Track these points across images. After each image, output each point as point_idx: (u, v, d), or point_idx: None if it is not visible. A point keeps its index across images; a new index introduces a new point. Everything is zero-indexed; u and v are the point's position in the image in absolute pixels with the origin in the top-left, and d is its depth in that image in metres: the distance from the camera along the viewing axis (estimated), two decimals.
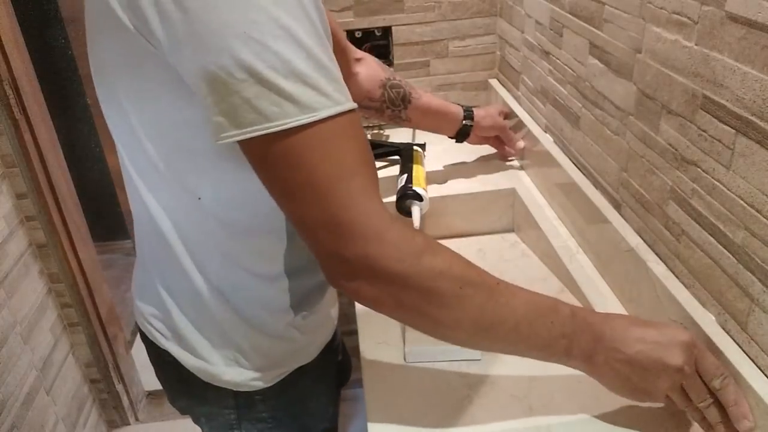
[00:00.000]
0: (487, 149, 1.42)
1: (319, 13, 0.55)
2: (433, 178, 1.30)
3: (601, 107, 0.96)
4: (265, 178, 0.57)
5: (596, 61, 0.96)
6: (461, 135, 1.26)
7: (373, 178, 0.60)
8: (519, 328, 0.63)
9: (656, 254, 0.84)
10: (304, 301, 0.76)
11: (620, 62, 0.88)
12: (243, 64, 0.51)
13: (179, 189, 0.66)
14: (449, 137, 1.28)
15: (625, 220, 0.92)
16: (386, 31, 1.46)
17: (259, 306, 0.74)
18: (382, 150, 1.35)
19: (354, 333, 0.91)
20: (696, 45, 0.70)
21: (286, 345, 0.77)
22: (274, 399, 0.79)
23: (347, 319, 1.82)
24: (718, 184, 0.69)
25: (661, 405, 0.68)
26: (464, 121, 1.24)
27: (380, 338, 0.88)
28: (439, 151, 1.43)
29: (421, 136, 1.42)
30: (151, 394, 2.06)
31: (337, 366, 0.93)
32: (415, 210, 1.10)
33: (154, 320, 0.77)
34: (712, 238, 0.71)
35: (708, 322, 0.71)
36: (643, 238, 0.87)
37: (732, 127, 0.65)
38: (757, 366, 0.65)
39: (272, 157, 0.54)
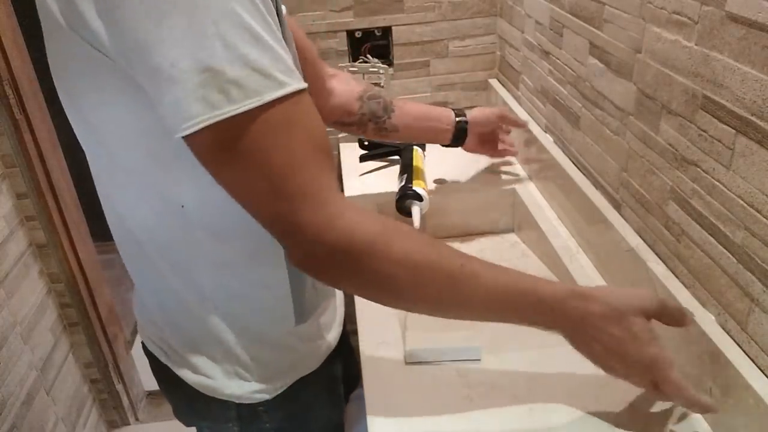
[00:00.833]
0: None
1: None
2: (433, 178, 1.30)
3: (601, 107, 0.96)
4: (217, 174, 0.55)
5: (596, 61, 0.96)
6: (458, 135, 1.14)
7: (327, 161, 0.57)
8: (484, 314, 0.64)
9: (656, 254, 0.84)
10: (303, 308, 0.73)
11: (620, 62, 0.88)
12: (183, 53, 0.49)
13: (159, 200, 0.63)
14: (444, 145, 1.17)
15: (625, 220, 0.92)
16: (386, 31, 1.46)
17: (257, 315, 0.72)
18: (382, 150, 1.35)
19: (354, 333, 0.91)
20: (696, 45, 0.70)
21: (286, 355, 0.75)
22: (277, 410, 0.77)
23: (347, 318, 1.82)
24: (718, 184, 0.69)
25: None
26: (458, 118, 1.13)
27: (380, 338, 0.89)
28: (439, 151, 1.43)
29: None
30: (151, 394, 2.06)
31: (343, 373, 0.90)
32: (415, 210, 1.10)
33: (153, 337, 0.77)
34: (712, 238, 0.71)
35: (708, 322, 0.71)
36: (643, 238, 0.87)
37: (732, 127, 0.65)
38: (757, 366, 0.65)
39: (221, 150, 0.52)
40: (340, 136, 1.53)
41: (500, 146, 1.26)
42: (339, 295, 0.87)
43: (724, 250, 0.69)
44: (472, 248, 1.22)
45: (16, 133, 1.48)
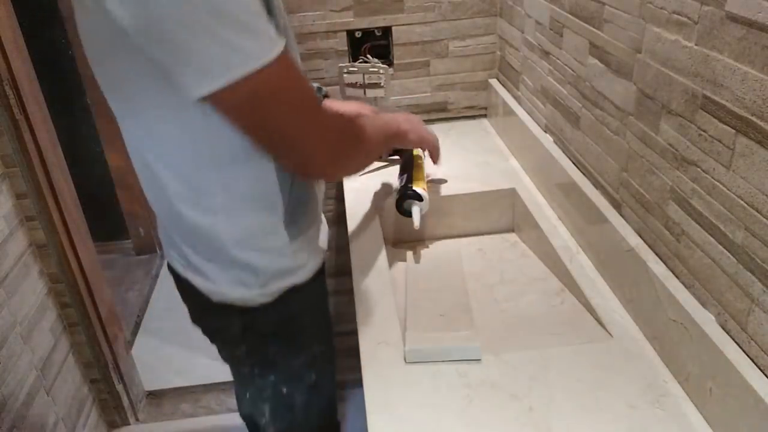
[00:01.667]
0: (488, 149, 1.42)
1: None
2: (433, 178, 1.30)
3: (601, 107, 0.96)
4: (247, 121, 0.72)
5: (596, 61, 0.96)
6: None
7: (309, 105, 0.76)
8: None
9: (656, 254, 0.84)
10: (294, 224, 0.88)
11: (620, 62, 0.88)
12: (211, 17, 0.62)
13: (174, 127, 0.76)
14: None
15: (625, 220, 0.92)
16: (386, 31, 1.46)
17: (256, 230, 0.85)
18: None
19: (354, 333, 0.91)
20: (696, 45, 0.70)
21: (281, 265, 0.88)
22: (273, 314, 0.91)
23: (347, 318, 1.82)
24: (718, 184, 0.69)
25: None
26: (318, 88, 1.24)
27: (380, 338, 0.89)
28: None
29: None
30: (151, 394, 2.06)
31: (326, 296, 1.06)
32: (415, 210, 1.10)
33: (172, 253, 0.92)
34: (712, 238, 0.71)
35: (708, 322, 0.71)
36: (643, 238, 0.87)
37: (732, 127, 0.65)
38: (757, 366, 0.65)
39: (242, 102, 0.68)
40: None
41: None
42: (323, 223, 1.01)
43: (724, 250, 0.69)
44: (472, 248, 1.22)
45: (16, 133, 1.48)
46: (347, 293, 1.76)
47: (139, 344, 2.28)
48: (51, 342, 1.64)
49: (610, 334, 0.87)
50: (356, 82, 1.43)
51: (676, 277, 0.79)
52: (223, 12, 0.62)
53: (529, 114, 1.31)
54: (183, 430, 1.94)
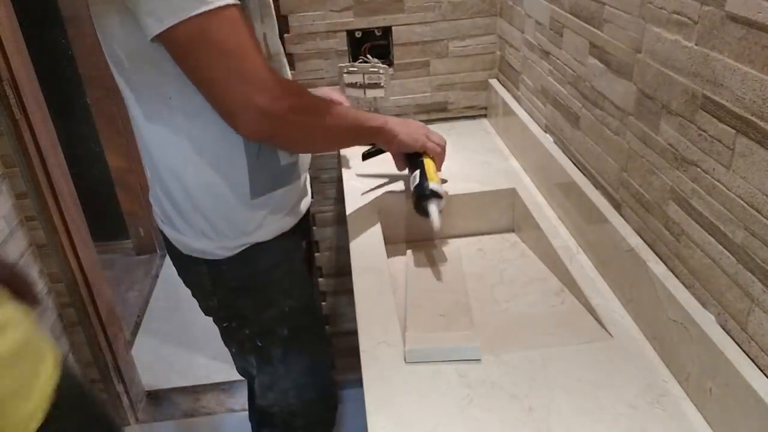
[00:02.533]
0: (488, 149, 1.42)
1: None
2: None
3: (601, 107, 0.96)
4: (188, 66, 0.80)
5: (596, 61, 0.96)
6: None
7: (260, 51, 0.82)
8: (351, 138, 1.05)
9: (656, 254, 0.84)
10: (257, 185, 0.93)
11: (620, 62, 0.88)
12: None
13: (158, 100, 0.86)
14: None
15: (625, 220, 0.92)
16: (386, 31, 1.46)
17: (219, 187, 0.91)
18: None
19: (354, 333, 0.91)
20: (696, 45, 0.70)
21: (243, 221, 0.95)
22: (238, 269, 0.98)
23: (347, 318, 1.82)
24: (718, 184, 0.69)
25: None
26: None
27: (380, 338, 0.89)
28: None
29: None
30: (151, 394, 2.06)
31: (306, 255, 1.14)
32: (433, 208, 1.07)
33: (156, 208, 1.01)
34: (712, 238, 0.71)
35: (708, 322, 0.71)
36: (643, 238, 0.87)
37: (732, 127, 0.65)
38: (757, 366, 0.65)
39: (190, 42, 0.76)
40: None
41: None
42: (299, 189, 1.05)
43: (724, 250, 0.69)
44: (472, 248, 1.22)
45: (16, 133, 1.48)
46: (347, 293, 1.77)
47: (139, 344, 2.28)
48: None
49: (610, 334, 0.87)
50: (356, 82, 1.43)
51: (676, 277, 0.79)
52: None
53: (529, 114, 1.31)
54: (183, 430, 1.94)
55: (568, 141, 1.11)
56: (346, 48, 1.46)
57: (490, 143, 1.45)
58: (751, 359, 0.66)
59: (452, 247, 1.22)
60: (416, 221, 1.24)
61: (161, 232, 1.03)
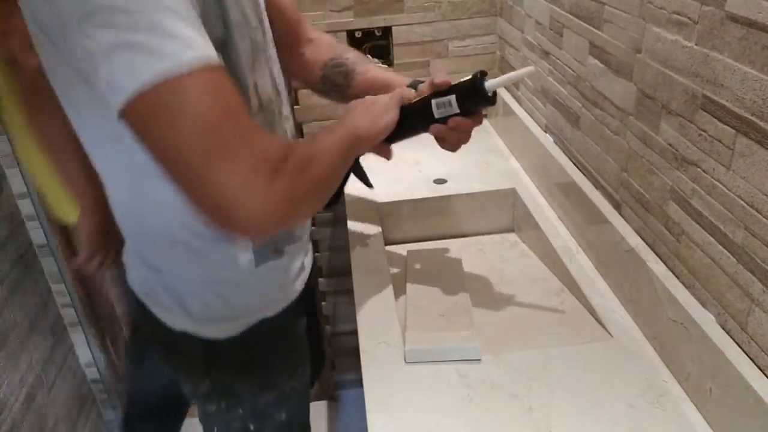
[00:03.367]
0: (488, 149, 1.42)
1: None
2: (433, 178, 1.31)
3: (601, 107, 0.96)
4: (149, 143, 0.59)
5: (596, 61, 0.96)
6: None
7: (236, 131, 0.58)
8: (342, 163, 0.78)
9: (656, 254, 0.84)
10: (260, 254, 0.82)
11: (620, 62, 0.88)
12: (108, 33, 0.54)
13: (129, 161, 0.69)
14: None
15: (625, 220, 0.92)
16: (386, 31, 1.46)
17: (221, 262, 0.80)
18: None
19: (354, 333, 0.91)
20: (696, 45, 0.70)
21: (248, 297, 0.84)
22: (240, 349, 0.86)
23: (347, 319, 1.82)
24: (718, 184, 0.69)
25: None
26: (415, 80, 0.98)
27: (380, 338, 0.88)
28: (438, 151, 1.43)
29: None
30: None
31: (307, 332, 1.00)
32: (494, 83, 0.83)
33: (135, 278, 0.86)
34: (712, 238, 0.71)
35: (708, 322, 0.71)
36: (643, 238, 0.87)
37: (732, 127, 0.65)
38: (757, 366, 0.65)
39: (136, 122, 0.57)
40: None
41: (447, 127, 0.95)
42: (302, 259, 0.94)
43: (724, 250, 0.69)
44: (472, 248, 1.22)
45: None
46: (347, 293, 1.77)
47: None
48: (51, 342, 1.64)
49: (610, 334, 0.87)
50: None
51: (676, 277, 0.79)
52: (132, 9, 0.53)
53: (529, 114, 1.31)
54: (183, 430, 1.94)
55: (568, 141, 1.11)
56: None
57: (490, 143, 1.45)
58: (751, 359, 0.66)
59: (452, 247, 1.22)
60: (417, 221, 1.24)
61: (139, 306, 0.86)
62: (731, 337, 0.69)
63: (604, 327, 0.89)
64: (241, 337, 0.85)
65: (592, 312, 0.93)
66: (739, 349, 0.67)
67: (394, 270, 1.14)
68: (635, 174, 0.88)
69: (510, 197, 1.24)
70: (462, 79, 0.84)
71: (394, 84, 1.02)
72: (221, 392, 0.90)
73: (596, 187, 1.01)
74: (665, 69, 0.77)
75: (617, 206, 0.94)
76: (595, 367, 0.81)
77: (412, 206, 1.23)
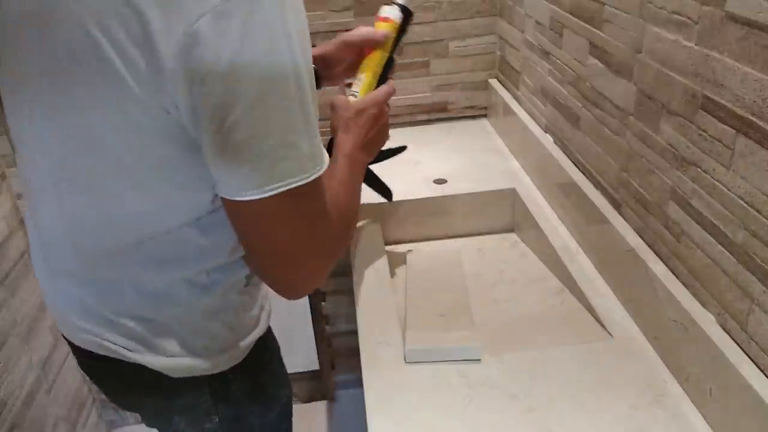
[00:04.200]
0: (488, 149, 1.42)
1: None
2: (433, 178, 1.31)
3: (601, 107, 0.96)
4: (245, 231, 0.64)
5: (596, 61, 0.96)
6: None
7: (327, 231, 0.67)
8: (355, 193, 0.82)
9: (656, 254, 0.84)
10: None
11: (620, 62, 0.88)
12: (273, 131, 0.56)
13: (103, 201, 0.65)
14: None
15: (625, 220, 0.92)
16: None
17: (229, 286, 0.76)
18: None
19: (354, 333, 0.91)
20: (696, 45, 0.70)
21: (245, 316, 0.81)
22: (242, 375, 0.82)
23: (347, 319, 1.82)
24: (718, 184, 0.69)
25: None
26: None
27: (380, 338, 0.89)
28: (439, 151, 1.43)
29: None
30: None
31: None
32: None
33: (109, 335, 0.74)
34: (712, 238, 0.71)
35: (708, 322, 0.71)
36: (643, 238, 0.87)
37: (732, 127, 0.65)
38: (757, 366, 0.65)
39: (278, 212, 0.60)
40: None
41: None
42: None
43: (724, 250, 0.69)
44: (472, 248, 1.22)
45: None
46: (347, 293, 1.77)
47: None
48: (51, 342, 1.64)
49: (610, 334, 0.87)
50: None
51: (676, 277, 0.79)
52: (305, 107, 0.57)
53: (529, 114, 1.31)
54: None
55: (568, 141, 1.11)
56: None
57: (490, 143, 1.45)
58: (751, 359, 0.66)
59: (452, 247, 1.22)
60: (417, 221, 1.24)
61: (113, 360, 0.75)
62: (731, 337, 0.69)
63: (604, 327, 0.89)
64: (244, 363, 0.81)
65: (592, 312, 0.93)
66: (739, 349, 0.67)
67: (394, 270, 1.14)
68: (635, 174, 0.88)
69: (510, 197, 1.24)
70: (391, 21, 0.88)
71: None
72: (230, 425, 0.85)
73: (596, 187, 1.01)
74: (665, 69, 0.77)
75: (617, 206, 0.94)
76: (595, 367, 0.81)
77: (412, 206, 1.23)
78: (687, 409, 0.73)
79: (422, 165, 1.36)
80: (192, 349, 0.76)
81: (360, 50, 0.94)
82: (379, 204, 1.22)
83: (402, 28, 0.89)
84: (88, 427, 1.80)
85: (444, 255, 1.18)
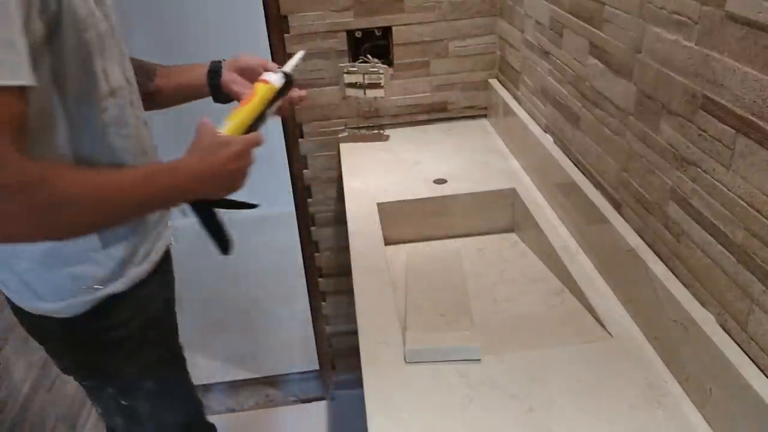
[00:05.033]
0: (488, 149, 1.42)
1: None
2: (433, 178, 1.31)
3: (601, 107, 0.96)
4: None
5: (596, 61, 0.96)
6: (212, 74, 1.03)
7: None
8: (133, 212, 0.81)
9: (656, 254, 0.84)
10: (107, 239, 0.86)
11: (620, 62, 0.88)
12: None
13: None
14: (209, 87, 1.04)
15: (625, 220, 0.92)
16: (386, 31, 1.46)
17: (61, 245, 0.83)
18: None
19: (354, 333, 0.91)
20: (696, 45, 0.70)
21: (94, 269, 0.87)
22: (92, 324, 0.90)
23: (347, 319, 1.82)
24: (718, 184, 0.69)
25: None
26: (213, 61, 1.04)
27: (380, 338, 0.89)
28: (439, 151, 1.43)
29: None
30: None
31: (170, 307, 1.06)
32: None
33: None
34: (712, 238, 0.71)
35: (708, 322, 0.71)
36: (643, 238, 0.87)
37: (732, 127, 0.65)
38: (757, 366, 0.65)
39: None
40: (340, 135, 1.53)
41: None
42: (154, 233, 0.96)
43: (724, 250, 0.69)
44: (472, 248, 1.22)
45: None
46: (347, 293, 1.77)
47: None
48: None
49: (610, 334, 0.87)
50: (356, 82, 1.43)
51: (676, 277, 0.79)
52: None
53: (529, 114, 1.31)
54: None
55: (568, 141, 1.11)
56: (346, 48, 1.46)
57: (490, 143, 1.45)
58: (751, 359, 0.66)
59: (452, 247, 1.22)
60: (417, 221, 1.25)
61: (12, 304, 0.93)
62: (731, 337, 0.69)
63: (604, 327, 0.89)
64: (92, 313, 0.89)
65: (592, 312, 0.93)
66: (739, 349, 0.67)
67: (394, 270, 1.14)
68: (635, 174, 0.88)
69: (510, 197, 1.24)
70: (273, 80, 0.93)
71: (194, 65, 1.06)
72: (84, 369, 0.97)
73: (596, 187, 1.01)
74: (665, 69, 0.77)
75: (617, 206, 0.94)
76: (595, 367, 0.81)
77: (412, 206, 1.23)
78: (687, 409, 0.73)
79: (422, 165, 1.36)
80: (40, 291, 0.86)
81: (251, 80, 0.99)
82: (380, 204, 1.23)
83: (281, 91, 0.94)
84: (88, 427, 1.80)
85: (444, 255, 1.18)
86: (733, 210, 0.66)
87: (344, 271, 1.72)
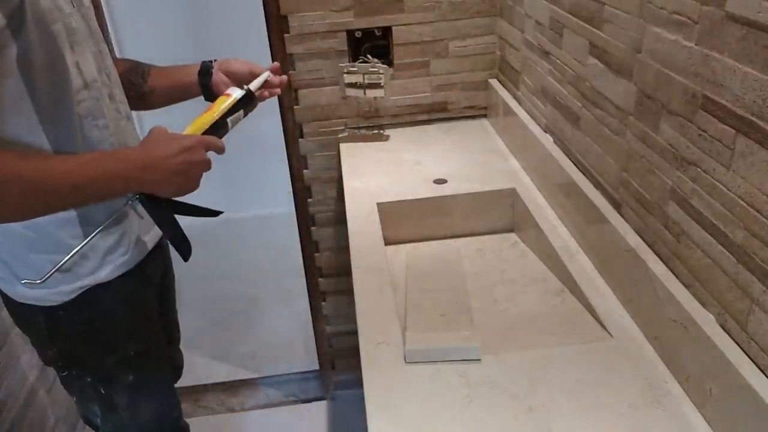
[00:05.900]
0: (488, 149, 1.42)
1: None
2: (433, 178, 1.31)
3: (601, 107, 0.96)
4: None
5: (596, 61, 0.96)
6: (203, 73, 1.06)
7: None
8: (72, 196, 0.79)
9: (656, 254, 0.84)
10: (88, 219, 0.88)
11: (620, 62, 0.88)
12: None
13: None
14: (198, 93, 1.08)
15: (625, 220, 0.92)
16: (386, 31, 1.46)
17: (45, 231, 0.86)
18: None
19: (354, 333, 0.91)
20: (696, 45, 0.70)
21: (75, 264, 0.89)
22: (76, 314, 0.92)
23: (347, 319, 1.82)
24: (718, 184, 0.69)
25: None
26: (204, 61, 1.08)
27: (380, 338, 0.89)
28: (438, 151, 1.43)
29: None
30: None
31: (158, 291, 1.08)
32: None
33: None
34: (712, 238, 0.71)
35: (708, 322, 0.71)
36: (643, 238, 0.87)
37: (732, 127, 0.65)
38: (757, 366, 0.65)
39: None
40: (340, 135, 1.53)
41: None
42: (138, 224, 0.98)
43: (724, 250, 0.69)
44: (472, 248, 1.22)
45: None
46: (347, 293, 1.77)
47: None
48: None
49: (610, 334, 0.87)
50: (356, 82, 1.43)
51: (676, 277, 0.79)
52: None
53: (529, 114, 1.31)
54: None
55: (568, 141, 1.11)
56: (346, 48, 1.46)
57: (490, 143, 1.45)
58: (751, 359, 0.66)
59: (452, 247, 1.22)
60: (417, 221, 1.25)
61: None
62: (731, 337, 0.69)
63: (604, 327, 0.89)
64: (77, 302, 0.91)
65: (592, 312, 0.93)
66: (739, 349, 0.67)
67: (394, 270, 1.14)
68: (635, 174, 0.88)
69: (510, 197, 1.24)
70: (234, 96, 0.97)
71: (189, 65, 1.09)
72: (67, 358, 0.99)
73: (596, 187, 1.01)
74: (665, 69, 0.77)
75: (617, 206, 0.94)
76: (595, 367, 0.81)
77: (412, 206, 1.23)
78: (687, 409, 0.73)
79: (422, 165, 1.36)
80: (20, 276, 0.89)
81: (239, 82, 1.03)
82: (380, 204, 1.23)
83: (239, 103, 0.98)
84: (88, 428, 1.79)
85: (444, 255, 1.18)
86: (733, 210, 0.66)
87: (344, 271, 1.72)
